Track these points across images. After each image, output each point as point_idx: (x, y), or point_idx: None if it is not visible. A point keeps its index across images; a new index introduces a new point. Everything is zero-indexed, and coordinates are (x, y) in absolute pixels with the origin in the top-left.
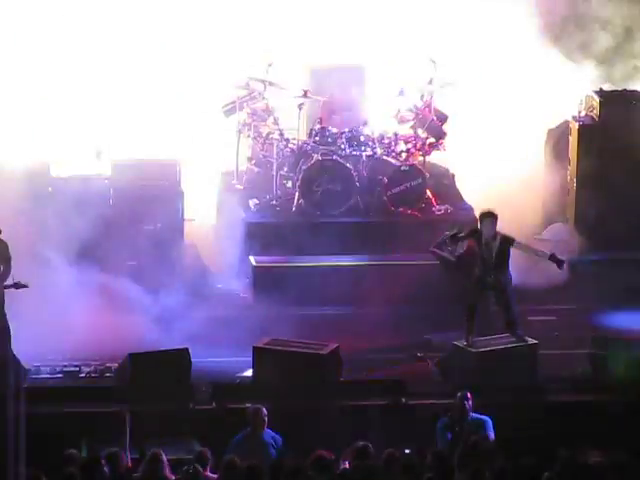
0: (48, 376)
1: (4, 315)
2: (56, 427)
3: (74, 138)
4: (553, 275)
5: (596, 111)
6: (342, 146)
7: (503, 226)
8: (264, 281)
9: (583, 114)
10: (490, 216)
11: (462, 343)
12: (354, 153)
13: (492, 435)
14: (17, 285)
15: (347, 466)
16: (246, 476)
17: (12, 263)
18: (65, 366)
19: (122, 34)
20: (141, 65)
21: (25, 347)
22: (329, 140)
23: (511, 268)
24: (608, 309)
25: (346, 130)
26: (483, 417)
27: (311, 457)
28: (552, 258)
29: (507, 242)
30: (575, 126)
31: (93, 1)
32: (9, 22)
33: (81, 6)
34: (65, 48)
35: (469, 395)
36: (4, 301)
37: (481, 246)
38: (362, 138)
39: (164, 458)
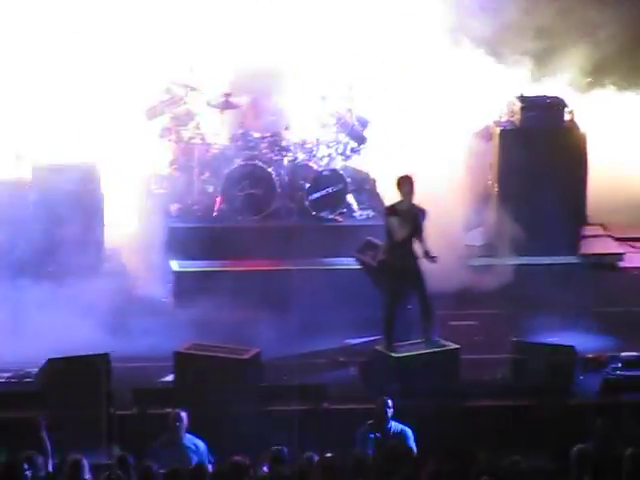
0: None
1: None
2: None
3: None
4: (476, 280)
5: (517, 116)
6: (264, 151)
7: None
8: (185, 286)
9: (505, 119)
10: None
11: (383, 348)
12: (276, 158)
13: (413, 446)
14: None
15: (266, 470)
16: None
17: None
18: None
19: (44, 35)
20: (62, 66)
21: None
22: (251, 145)
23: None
24: (528, 314)
25: (268, 135)
26: (404, 428)
27: (228, 462)
28: (426, 255)
29: (423, 215)
30: (497, 130)
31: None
32: None
33: None
34: None
35: (390, 402)
36: None
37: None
38: (284, 143)
39: (85, 463)
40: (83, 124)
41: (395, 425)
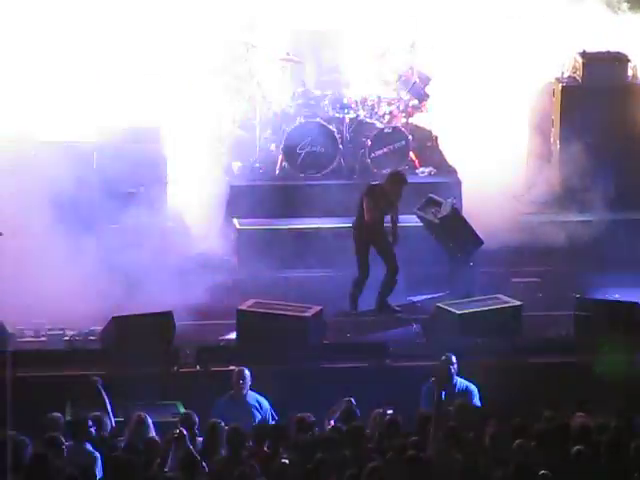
0: (32, 339)
1: None
2: (39, 391)
3: (59, 102)
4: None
5: (579, 72)
6: (325, 109)
7: (487, 189)
8: (248, 244)
9: (567, 75)
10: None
11: (445, 304)
12: (337, 115)
13: (478, 403)
14: None
15: (332, 425)
16: (230, 438)
17: None
18: (49, 329)
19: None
20: (122, 30)
21: (8, 310)
22: (312, 103)
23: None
24: (592, 271)
25: (329, 93)
26: (469, 384)
27: (292, 419)
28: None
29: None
30: (559, 87)
31: None
32: None
33: None
34: (47, 12)
35: (453, 359)
36: None
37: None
38: (345, 100)
39: (149, 421)
40: (145, 85)
41: (460, 382)
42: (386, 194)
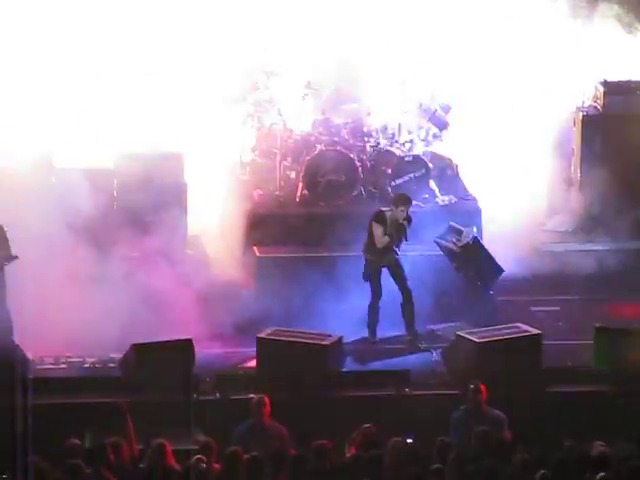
0: (52, 367)
1: (6, 306)
2: (59, 418)
3: (77, 128)
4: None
5: (600, 101)
6: (345, 137)
7: (506, 218)
8: (267, 271)
9: (587, 104)
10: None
11: (465, 333)
12: (357, 144)
13: (507, 432)
14: (7, 259)
15: (352, 452)
16: (249, 467)
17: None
18: (69, 357)
19: (125, 24)
20: (143, 56)
21: (29, 338)
22: (332, 131)
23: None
24: (612, 300)
25: (349, 121)
26: (499, 413)
27: (312, 446)
28: None
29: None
30: (579, 116)
31: None
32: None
33: None
34: (68, 37)
35: (482, 387)
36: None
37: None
38: (365, 129)
39: (169, 448)
40: (166, 112)
41: (489, 410)
42: (394, 218)
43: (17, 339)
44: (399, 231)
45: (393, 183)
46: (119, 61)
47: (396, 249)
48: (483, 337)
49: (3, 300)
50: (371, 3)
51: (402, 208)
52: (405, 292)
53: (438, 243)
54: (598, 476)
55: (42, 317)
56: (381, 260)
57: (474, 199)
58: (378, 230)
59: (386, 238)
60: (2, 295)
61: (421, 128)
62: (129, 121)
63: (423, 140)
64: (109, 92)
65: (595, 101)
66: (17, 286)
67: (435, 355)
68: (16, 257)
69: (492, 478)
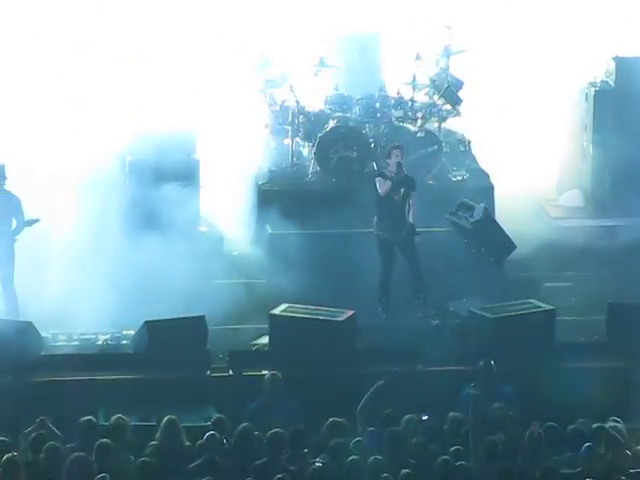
0: (65, 344)
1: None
2: (73, 395)
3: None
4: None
5: (612, 77)
6: (358, 113)
7: (518, 194)
8: (280, 248)
9: (599, 79)
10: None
11: (478, 309)
12: (370, 120)
13: (516, 407)
14: (28, 222)
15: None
16: (268, 443)
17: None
18: (82, 334)
19: (138, 3)
20: (154, 34)
21: (42, 315)
22: (345, 107)
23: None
24: (624, 276)
25: (362, 97)
26: (508, 388)
27: (327, 424)
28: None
29: (412, 184)
30: (592, 91)
31: None
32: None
33: None
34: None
35: (492, 363)
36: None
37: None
38: (378, 105)
39: (180, 424)
40: (179, 90)
41: (499, 386)
42: (394, 174)
43: (30, 317)
44: (401, 179)
45: (405, 159)
46: (129, 40)
47: (413, 230)
48: (496, 313)
49: (11, 280)
50: None
51: (395, 153)
52: (415, 269)
53: (450, 219)
54: None
55: (56, 294)
56: (391, 235)
57: (486, 175)
58: (379, 180)
59: (388, 182)
60: (11, 275)
61: (434, 104)
62: (141, 100)
63: (436, 116)
64: (120, 71)
65: (607, 76)
66: (33, 264)
67: (434, 322)
68: (38, 220)
69: (506, 453)
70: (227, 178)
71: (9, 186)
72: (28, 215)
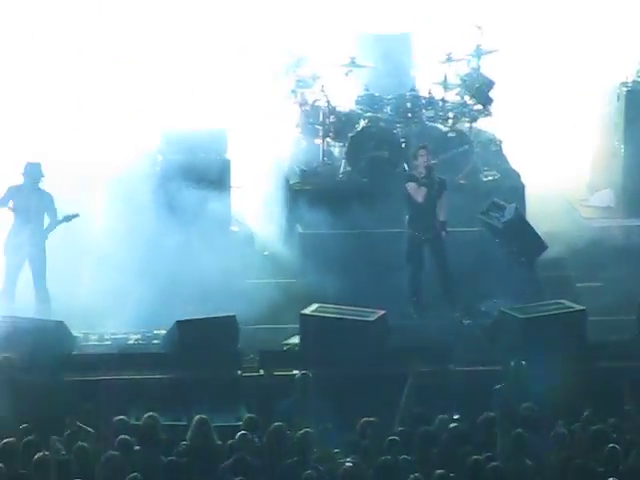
0: (96, 343)
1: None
2: (105, 394)
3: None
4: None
5: None
6: (389, 112)
7: (549, 194)
8: (311, 248)
9: (631, 79)
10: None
11: (509, 309)
12: (401, 119)
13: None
14: (67, 218)
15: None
16: (298, 442)
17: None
18: (113, 333)
19: (167, 5)
20: (185, 32)
21: (74, 314)
22: (375, 107)
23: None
24: None
25: (392, 97)
26: (537, 387)
27: (358, 424)
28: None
29: (443, 185)
30: (623, 91)
31: None
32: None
33: None
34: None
35: (523, 363)
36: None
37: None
38: (409, 105)
39: (211, 424)
40: (210, 88)
41: (530, 386)
42: (423, 177)
43: (63, 316)
44: (432, 180)
45: (436, 159)
46: (163, 38)
47: (443, 229)
48: (527, 313)
49: (43, 278)
50: None
51: (421, 153)
52: (444, 269)
53: (481, 219)
54: None
55: (88, 294)
56: (423, 234)
57: (517, 175)
58: (412, 187)
59: (423, 188)
60: (43, 274)
61: (465, 103)
62: (173, 98)
63: (467, 116)
64: (153, 69)
65: (639, 76)
66: (65, 263)
67: (465, 322)
68: (77, 215)
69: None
70: (258, 177)
71: (42, 184)
72: (63, 212)
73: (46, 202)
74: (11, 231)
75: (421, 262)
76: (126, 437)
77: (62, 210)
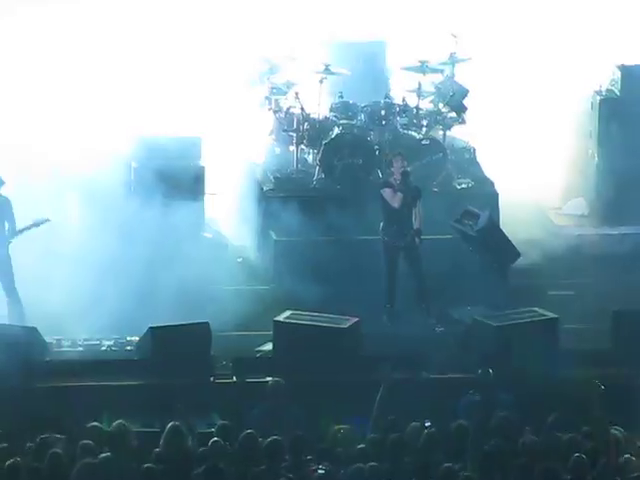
0: (69, 349)
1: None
2: (77, 400)
3: (99, 110)
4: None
5: (618, 85)
6: (363, 120)
7: (523, 201)
8: (284, 255)
9: (605, 88)
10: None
11: (482, 317)
12: (375, 127)
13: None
14: (37, 223)
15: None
16: (267, 450)
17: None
18: (86, 339)
19: (145, 9)
20: (160, 39)
21: (46, 320)
22: (350, 114)
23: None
24: (627, 284)
25: (367, 104)
26: (507, 397)
27: (331, 431)
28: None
29: (418, 192)
30: (597, 100)
31: None
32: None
33: None
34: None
35: (491, 372)
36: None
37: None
38: (383, 112)
39: (184, 430)
40: (183, 96)
41: (499, 394)
42: (399, 183)
43: (35, 322)
44: (408, 187)
45: (410, 166)
46: (135, 45)
47: (417, 237)
48: (500, 321)
49: (12, 283)
50: None
51: (397, 159)
52: (418, 277)
53: (454, 226)
54: None
55: (59, 299)
56: (398, 241)
57: (491, 183)
58: (388, 192)
59: (399, 194)
60: (11, 279)
61: (438, 111)
62: (147, 105)
63: (441, 123)
64: (126, 76)
65: (613, 85)
66: (36, 268)
67: (438, 330)
68: (47, 220)
69: (499, 459)
70: (232, 184)
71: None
72: (33, 217)
73: (5, 208)
74: None
75: (395, 269)
76: (90, 442)
77: (32, 215)
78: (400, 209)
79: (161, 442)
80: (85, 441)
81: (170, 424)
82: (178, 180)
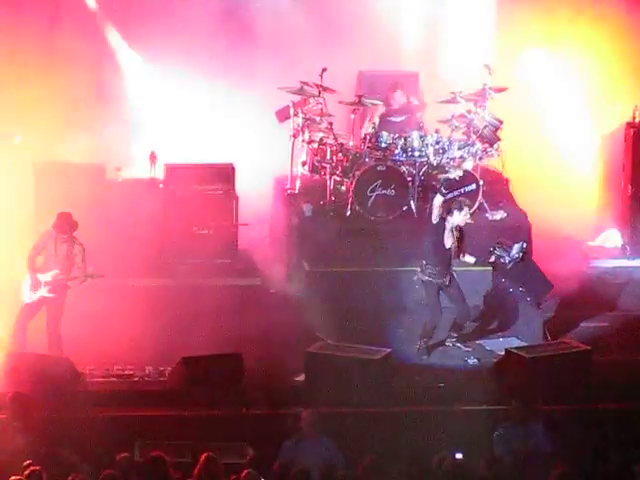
0: (102, 380)
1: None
2: (110, 431)
3: (131, 141)
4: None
5: None
6: (396, 151)
7: (555, 233)
8: (317, 286)
9: (638, 119)
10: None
11: (515, 348)
12: (408, 158)
13: (547, 444)
14: (92, 275)
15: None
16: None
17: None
18: (119, 370)
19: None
20: (196, 69)
21: (80, 351)
22: (383, 145)
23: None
24: None
25: (400, 135)
26: (541, 428)
27: (363, 462)
28: None
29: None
30: (630, 132)
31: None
32: None
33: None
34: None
35: (525, 402)
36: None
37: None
38: (416, 143)
39: (218, 461)
40: (217, 125)
41: (532, 426)
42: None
43: (69, 353)
44: (461, 232)
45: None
46: (171, 73)
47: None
48: (532, 352)
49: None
50: (422, 15)
51: (465, 211)
52: (463, 311)
53: (487, 258)
54: None
55: (93, 331)
56: (438, 277)
57: (524, 214)
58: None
59: (450, 240)
60: (59, 315)
61: (472, 143)
62: (181, 132)
63: (474, 154)
64: (162, 103)
65: None
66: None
67: (471, 361)
68: (101, 275)
69: None
70: (265, 214)
71: None
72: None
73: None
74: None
75: (440, 308)
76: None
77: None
78: (450, 248)
79: (195, 472)
80: (109, 471)
81: (205, 455)
82: (211, 209)
